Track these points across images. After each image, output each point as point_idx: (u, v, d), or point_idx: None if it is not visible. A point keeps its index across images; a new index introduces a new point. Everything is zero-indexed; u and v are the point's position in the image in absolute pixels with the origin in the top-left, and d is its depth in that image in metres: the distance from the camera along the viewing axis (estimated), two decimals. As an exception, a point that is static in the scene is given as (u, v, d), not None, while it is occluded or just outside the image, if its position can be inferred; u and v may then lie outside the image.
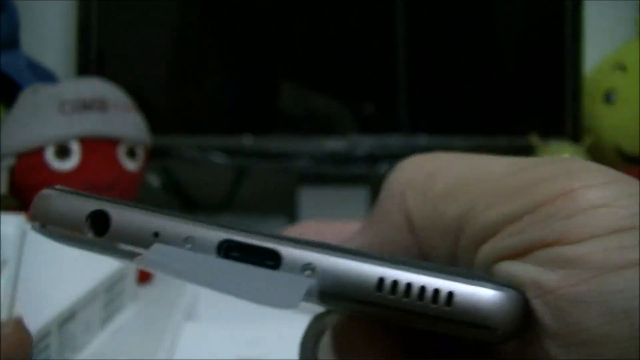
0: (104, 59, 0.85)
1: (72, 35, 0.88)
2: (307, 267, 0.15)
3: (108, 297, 0.51)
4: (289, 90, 0.87)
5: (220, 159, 0.83)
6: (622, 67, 0.87)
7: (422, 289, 0.14)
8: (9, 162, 0.66)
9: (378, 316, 0.15)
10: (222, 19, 0.86)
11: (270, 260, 0.15)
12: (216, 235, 0.16)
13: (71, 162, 0.66)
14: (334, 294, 0.15)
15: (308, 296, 0.15)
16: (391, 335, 0.16)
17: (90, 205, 0.16)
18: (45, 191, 0.17)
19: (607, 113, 0.87)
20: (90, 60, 0.84)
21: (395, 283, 0.14)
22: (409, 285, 0.14)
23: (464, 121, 0.87)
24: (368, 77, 0.87)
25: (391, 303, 0.14)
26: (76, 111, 0.67)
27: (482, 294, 0.14)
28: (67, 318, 0.44)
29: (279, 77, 0.87)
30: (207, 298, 0.57)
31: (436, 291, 0.14)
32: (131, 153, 0.70)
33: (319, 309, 0.18)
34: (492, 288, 0.14)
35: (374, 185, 0.83)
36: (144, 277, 0.61)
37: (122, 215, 0.16)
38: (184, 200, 0.95)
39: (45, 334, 0.41)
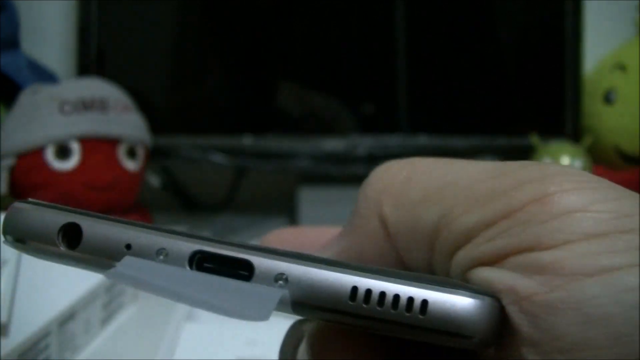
0: (104, 59, 0.85)
1: (72, 35, 0.88)
2: (280, 277, 0.15)
3: (108, 297, 0.51)
4: (289, 90, 0.87)
5: (220, 159, 0.83)
6: (622, 67, 0.87)
7: (396, 297, 0.14)
8: (9, 162, 0.66)
9: (352, 325, 0.15)
10: (222, 19, 0.86)
11: (243, 270, 0.15)
12: (188, 246, 0.15)
13: (71, 162, 0.66)
14: (307, 304, 0.15)
15: (281, 307, 0.15)
16: (368, 342, 0.16)
17: (62, 218, 0.16)
18: (17, 204, 0.17)
19: (606, 113, 0.87)
20: (90, 60, 0.84)
21: (368, 292, 0.14)
22: (382, 294, 0.14)
23: (464, 121, 0.87)
24: (368, 77, 0.86)
25: (365, 312, 0.14)
26: (76, 111, 0.67)
27: (457, 302, 0.14)
28: (67, 318, 0.44)
29: (279, 77, 0.87)
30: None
31: (410, 299, 0.14)
32: (131, 153, 0.70)
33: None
34: (467, 295, 0.14)
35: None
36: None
37: (94, 228, 0.16)
38: (184, 200, 0.95)
39: (45, 334, 0.41)
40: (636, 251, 0.13)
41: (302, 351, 0.16)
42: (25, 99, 0.68)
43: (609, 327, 0.13)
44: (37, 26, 0.92)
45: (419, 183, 0.17)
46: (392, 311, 0.14)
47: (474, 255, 0.15)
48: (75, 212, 0.16)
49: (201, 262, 0.15)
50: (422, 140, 0.84)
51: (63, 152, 0.66)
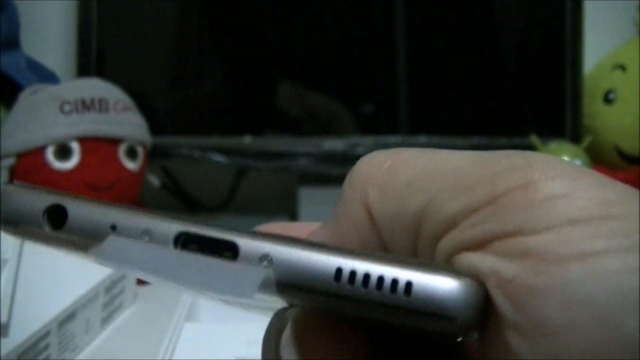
0: (104, 59, 0.85)
1: (72, 35, 0.88)
2: (265, 258, 0.15)
3: (108, 297, 0.51)
4: (289, 90, 0.87)
5: (220, 159, 0.83)
6: (621, 67, 0.87)
7: (380, 278, 0.14)
8: (9, 162, 0.66)
9: (337, 308, 0.15)
10: (222, 19, 0.86)
11: (227, 252, 0.15)
12: (173, 227, 0.16)
13: (71, 162, 0.66)
14: (292, 285, 0.15)
15: (266, 288, 0.15)
16: (350, 330, 0.16)
17: (47, 199, 0.16)
18: (4, 187, 0.17)
19: (606, 113, 0.87)
20: (90, 60, 0.84)
21: (353, 273, 0.14)
22: (367, 276, 0.14)
23: (463, 121, 0.88)
24: (368, 77, 0.87)
25: (349, 293, 0.14)
26: (76, 111, 0.67)
27: (441, 283, 0.14)
28: (67, 318, 0.44)
29: (279, 77, 0.87)
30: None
31: (394, 281, 0.14)
32: (131, 153, 0.70)
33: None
34: (451, 277, 0.14)
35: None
36: (144, 277, 0.61)
37: (79, 209, 0.16)
38: (184, 200, 0.95)
39: (45, 334, 0.41)
40: (619, 237, 0.13)
41: (286, 337, 0.16)
42: (25, 99, 0.68)
43: (593, 310, 0.13)
44: (37, 26, 0.92)
45: (403, 171, 0.17)
46: (377, 292, 0.14)
47: (458, 240, 0.15)
48: (60, 194, 0.16)
49: (186, 243, 0.15)
50: (422, 140, 0.84)
51: (63, 152, 0.66)
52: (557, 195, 0.14)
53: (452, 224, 0.15)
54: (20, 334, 0.39)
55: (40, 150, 0.66)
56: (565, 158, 0.76)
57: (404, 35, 0.85)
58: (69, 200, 0.16)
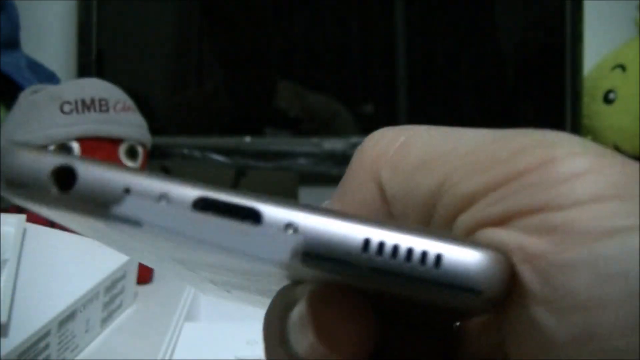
0: (104, 59, 0.85)
1: (72, 35, 0.88)
2: (290, 227, 0.14)
3: (108, 297, 0.51)
4: (288, 90, 0.87)
5: (220, 159, 0.83)
6: (621, 67, 0.87)
7: (410, 250, 0.14)
8: (9, 162, 0.66)
9: (362, 279, 0.14)
10: (222, 19, 0.86)
11: (249, 218, 0.14)
12: (192, 192, 0.15)
13: (71, 162, 0.66)
14: (318, 255, 0.14)
15: (290, 257, 0.14)
16: (365, 305, 0.16)
17: (54, 160, 0.15)
18: (4, 147, 0.15)
19: (606, 113, 0.87)
20: (90, 60, 0.84)
21: (381, 244, 0.14)
22: (396, 247, 0.14)
23: (463, 121, 0.87)
24: (368, 77, 0.86)
25: (377, 265, 0.14)
26: (76, 111, 0.67)
27: (470, 256, 0.14)
28: (67, 318, 0.44)
29: (279, 77, 0.87)
30: (207, 298, 0.58)
31: (424, 253, 0.14)
32: (131, 153, 0.70)
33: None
34: (480, 250, 0.14)
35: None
36: (144, 277, 0.61)
37: (90, 170, 0.15)
38: (184, 200, 0.95)
39: (45, 334, 0.41)
40: None
41: (299, 316, 0.16)
42: (25, 99, 0.68)
43: (627, 284, 0.13)
44: (37, 26, 0.92)
45: (416, 149, 0.16)
46: (406, 263, 0.14)
47: (478, 217, 0.15)
48: (67, 155, 0.15)
49: (204, 209, 0.15)
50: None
51: (63, 152, 0.66)
52: (582, 171, 0.14)
53: (471, 201, 0.15)
54: (20, 334, 0.39)
55: (40, 150, 0.66)
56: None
57: (404, 35, 0.85)
58: (78, 161, 0.15)
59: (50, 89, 0.69)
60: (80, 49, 0.84)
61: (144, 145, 0.72)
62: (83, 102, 0.67)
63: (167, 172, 0.92)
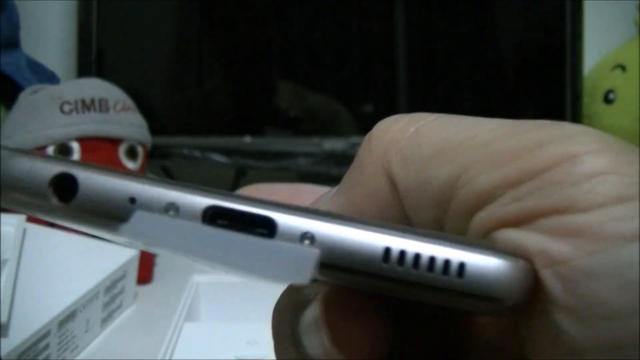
0: (104, 59, 0.85)
1: (72, 35, 0.88)
2: (306, 237, 0.13)
3: (108, 297, 0.51)
4: (289, 90, 0.87)
5: (220, 159, 0.83)
6: (621, 67, 0.87)
7: (432, 259, 0.13)
8: (9, 162, 0.66)
9: (381, 289, 0.14)
10: (222, 19, 0.86)
11: (262, 228, 0.14)
12: (201, 200, 0.14)
13: (71, 162, 0.66)
14: (336, 266, 0.13)
15: (306, 269, 0.13)
16: (379, 306, 0.15)
17: (53, 167, 0.14)
18: (1, 152, 0.14)
19: (606, 113, 0.87)
20: (90, 60, 0.84)
21: (402, 253, 0.13)
22: (417, 256, 0.13)
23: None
24: (368, 77, 0.86)
25: (399, 275, 0.13)
26: (76, 111, 0.67)
27: (494, 265, 0.13)
28: (67, 318, 0.44)
29: (279, 77, 0.87)
30: (207, 298, 0.57)
31: (447, 262, 0.13)
32: (131, 153, 0.70)
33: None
34: (502, 258, 0.13)
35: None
36: (144, 277, 0.61)
37: (92, 178, 0.14)
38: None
39: (45, 334, 0.41)
40: None
41: (312, 318, 0.15)
42: (25, 99, 0.68)
43: None
44: (37, 26, 0.92)
45: (429, 138, 0.16)
46: (428, 274, 0.13)
47: (497, 216, 0.14)
48: (67, 161, 0.14)
49: (214, 218, 0.14)
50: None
51: (63, 152, 0.66)
52: (603, 170, 0.13)
53: (489, 197, 0.14)
54: (20, 334, 0.39)
55: (41, 150, 0.66)
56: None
57: (404, 35, 0.85)
58: (79, 168, 0.14)
59: (50, 89, 0.69)
60: (80, 49, 0.84)
61: (143, 145, 0.72)
62: (83, 102, 0.67)
63: (167, 172, 0.92)
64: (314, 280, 0.16)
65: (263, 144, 0.84)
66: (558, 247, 0.13)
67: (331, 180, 0.82)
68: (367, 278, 0.14)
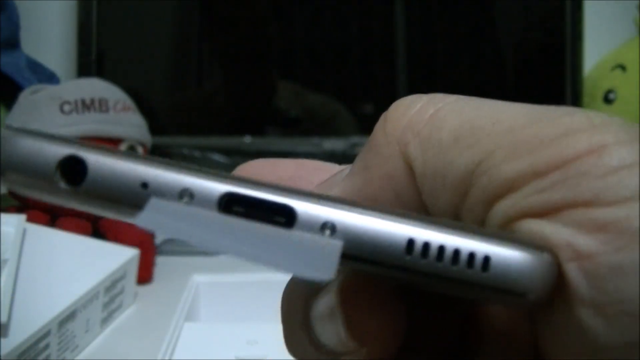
0: (104, 59, 0.85)
1: (72, 35, 0.88)
2: (326, 226, 0.13)
3: (108, 297, 0.51)
4: (288, 90, 0.87)
5: (220, 159, 0.83)
6: (621, 67, 0.87)
7: (457, 252, 0.13)
8: (9, 162, 0.66)
9: (402, 281, 0.13)
10: (222, 19, 0.86)
11: (280, 216, 0.13)
12: (217, 187, 0.13)
13: (71, 162, 0.66)
14: (358, 257, 0.13)
15: (327, 260, 0.13)
16: (401, 299, 0.15)
17: (61, 149, 0.13)
18: (5, 132, 0.14)
19: (606, 113, 0.87)
20: (90, 60, 0.84)
21: (427, 245, 0.13)
22: (441, 248, 0.13)
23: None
24: (368, 77, 0.86)
25: (422, 268, 0.13)
26: (76, 111, 0.67)
27: (520, 258, 0.13)
28: (67, 318, 0.44)
29: (279, 77, 0.87)
30: (207, 298, 0.58)
31: (471, 255, 0.13)
32: (131, 153, 0.70)
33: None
34: (528, 251, 0.13)
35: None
36: (144, 277, 0.61)
37: (102, 162, 0.13)
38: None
39: (45, 334, 0.41)
40: None
41: (325, 304, 0.15)
42: (25, 99, 0.68)
43: None
44: (37, 26, 0.92)
45: (449, 122, 0.15)
46: (452, 267, 0.13)
47: (521, 206, 0.14)
48: (76, 144, 0.14)
49: (230, 205, 0.13)
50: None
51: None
52: (630, 163, 0.13)
53: (512, 186, 0.14)
54: (20, 334, 0.39)
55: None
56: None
57: (404, 35, 0.85)
58: (88, 150, 0.13)
59: (50, 89, 0.69)
60: (80, 49, 0.84)
61: (143, 145, 0.72)
62: (83, 102, 0.67)
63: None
64: None
65: (263, 144, 0.84)
66: (584, 241, 0.13)
67: (331, 180, 0.82)
68: (388, 269, 0.13)
